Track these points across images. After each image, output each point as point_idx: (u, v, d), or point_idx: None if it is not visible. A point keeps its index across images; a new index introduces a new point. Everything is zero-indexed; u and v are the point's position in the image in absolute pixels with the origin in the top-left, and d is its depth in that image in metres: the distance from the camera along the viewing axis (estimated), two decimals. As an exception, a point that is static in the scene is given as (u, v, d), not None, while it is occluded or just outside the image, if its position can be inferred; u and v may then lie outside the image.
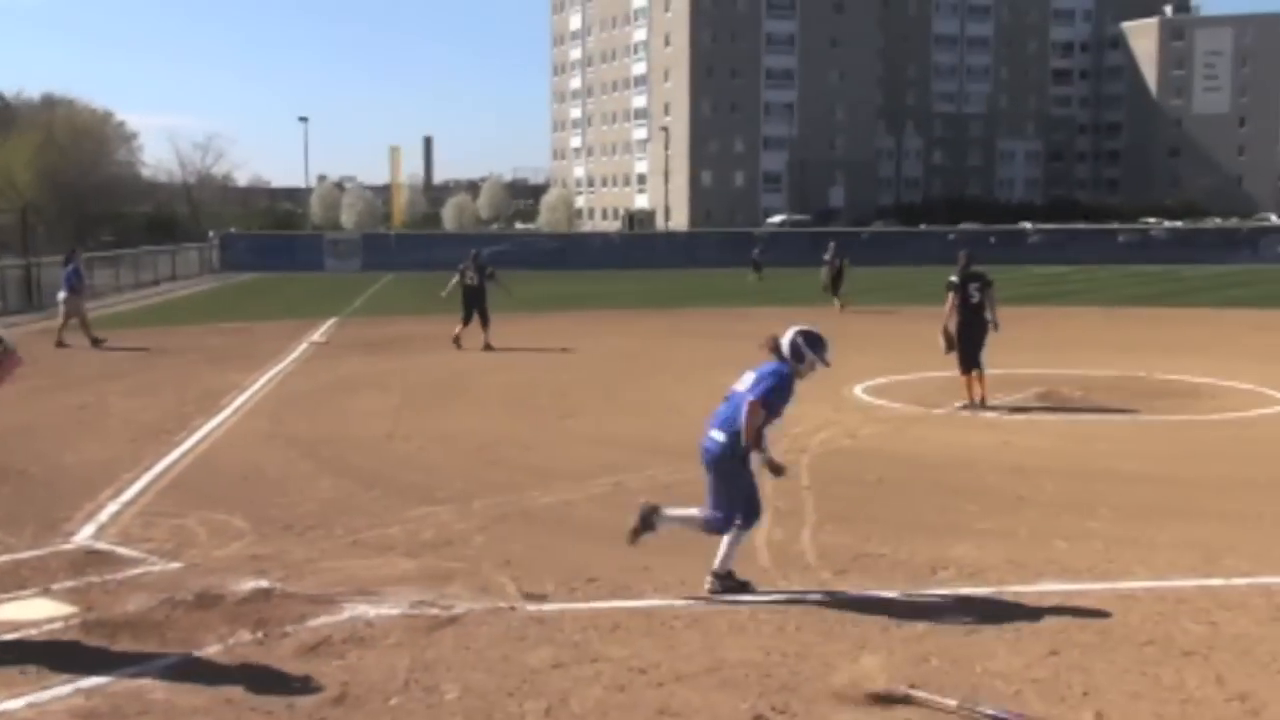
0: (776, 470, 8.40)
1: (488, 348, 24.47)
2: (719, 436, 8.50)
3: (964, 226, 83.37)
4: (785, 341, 8.70)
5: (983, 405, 16.59)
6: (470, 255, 26.29)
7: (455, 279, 25.70)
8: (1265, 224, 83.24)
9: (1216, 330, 28.80)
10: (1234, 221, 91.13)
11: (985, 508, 10.84)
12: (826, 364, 8.79)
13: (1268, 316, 32.32)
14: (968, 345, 16.85)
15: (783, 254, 62.35)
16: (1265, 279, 48.77)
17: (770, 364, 8.64)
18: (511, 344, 25.20)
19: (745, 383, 8.59)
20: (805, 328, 8.83)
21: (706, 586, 8.30)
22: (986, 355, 17.14)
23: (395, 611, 7.95)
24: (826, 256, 38.11)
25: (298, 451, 13.78)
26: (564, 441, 14.46)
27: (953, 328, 16.95)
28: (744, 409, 8.32)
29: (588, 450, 13.79)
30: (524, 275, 45.13)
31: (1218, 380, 19.27)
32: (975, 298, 16.84)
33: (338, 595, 8.27)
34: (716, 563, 8.38)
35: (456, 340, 24.83)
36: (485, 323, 25.11)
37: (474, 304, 25.39)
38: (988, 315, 16.92)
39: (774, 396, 8.41)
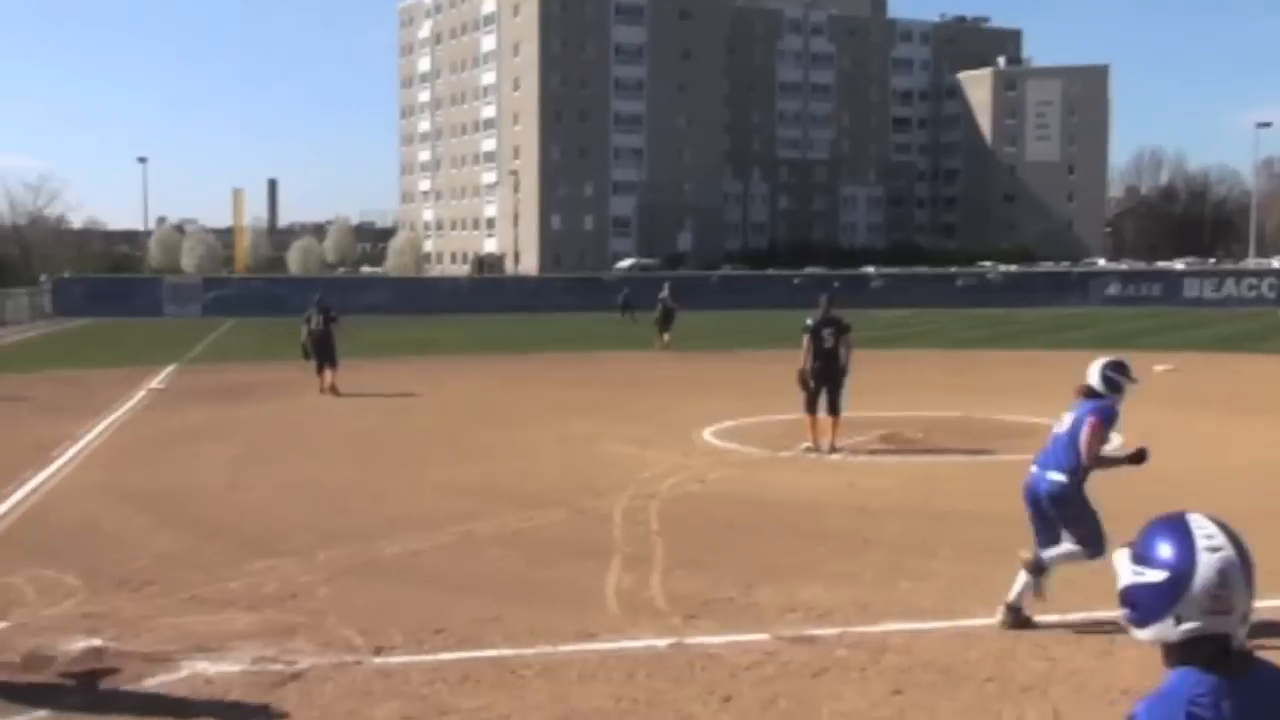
0: (1139, 458, 8.83)
1: (333, 391, 24.19)
2: (1058, 477, 8.85)
3: (809, 270, 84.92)
4: (1096, 378, 9.06)
5: (832, 449, 16.82)
6: (314, 300, 26.06)
7: (304, 328, 25.48)
8: (1094, 268, 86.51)
9: (1050, 372, 29.71)
10: (1065, 265, 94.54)
11: (832, 550, 10.99)
12: (1134, 381, 9.19)
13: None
14: (818, 387, 17.05)
15: (638, 298, 62.76)
16: (1095, 321, 50.64)
17: (1088, 403, 8.89)
18: (358, 390, 24.85)
19: (1065, 423, 8.92)
20: (1108, 359, 9.22)
21: (997, 619, 8.50)
22: (845, 400, 17.34)
23: (236, 668, 7.74)
24: (661, 295, 39.28)
25: (134, 504, 13.37)
26: (412, 490, 14.29)
27: (809, 368, 17.11)
28: (1084, 431, 8.63)
29: (436, 498, 13.65)
30: (370, 320, 44.62)
31: (1051, 420, 19.86)
32: (829, 342, 17.02)
33: (175, 653, 8.03)
34: (1012, 595, 8.59)
35: (332, 389, 24.55)
36: (333, 366, 24.82)
37: (323, 349, 25.17)
38: (842, 359, 17.11)
39: (1108, 424, 8.73)
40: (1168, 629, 2.67)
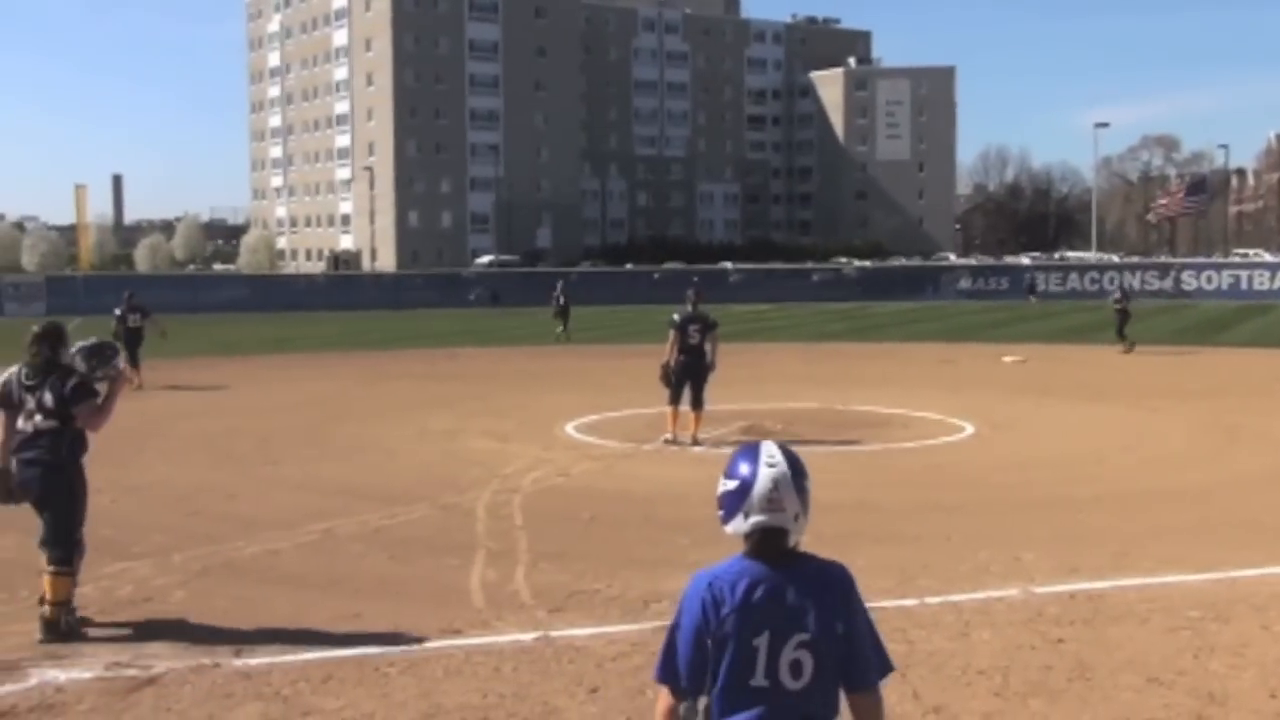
0: None
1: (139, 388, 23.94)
2: None
3: (668, 266, 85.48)
4: None
5: (694, 441, 17.00)
6: (125, 297, 26.59)
7: (116, 325, 25.65)
8: (944, 263, 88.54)
9: (905, 363, 30.40)
10: (917, 260, 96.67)
11: (695, 540, 11.08)
12: None
13: (950, 349, 34.34)
14: (681, 381, 17.21)
15: (507, 294, 62.61)
16: (946, 314, 51.88)
17: None
18: (210, 389, 24.31)
19: None
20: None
21: None
22: (708, 393, 17.53)
23: (88, 675, 7.51)
24: (555, 293, 41.15)
25: (-24, 509, 12.90)
26: (269, 489, 14.03)
27: (673, 364, 17.26)
28: None
29: (294, 498, 13.42)
30: (224, 318, 43.69)
31: (908, 410, 20.32)
32: (695, 338, 17.18)
33: (23, 661, 7.76)
34: None
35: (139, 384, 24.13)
36: (135, 365, 24.75)
37: (131, 345, 25.38)
38: (708, 356, 17.26)
39: None
40: (740, 523, 3.56)
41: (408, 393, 24.50)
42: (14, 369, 8.69)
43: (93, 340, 9.18)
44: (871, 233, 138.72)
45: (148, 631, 8.41)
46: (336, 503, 12.97)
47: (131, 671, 7.58)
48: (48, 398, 8.50)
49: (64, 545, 8.47)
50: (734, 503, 3.58)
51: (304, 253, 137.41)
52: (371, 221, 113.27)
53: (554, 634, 8.27)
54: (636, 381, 25.48)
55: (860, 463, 15.63)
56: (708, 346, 17.20)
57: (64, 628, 8.32)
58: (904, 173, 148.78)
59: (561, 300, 40.68)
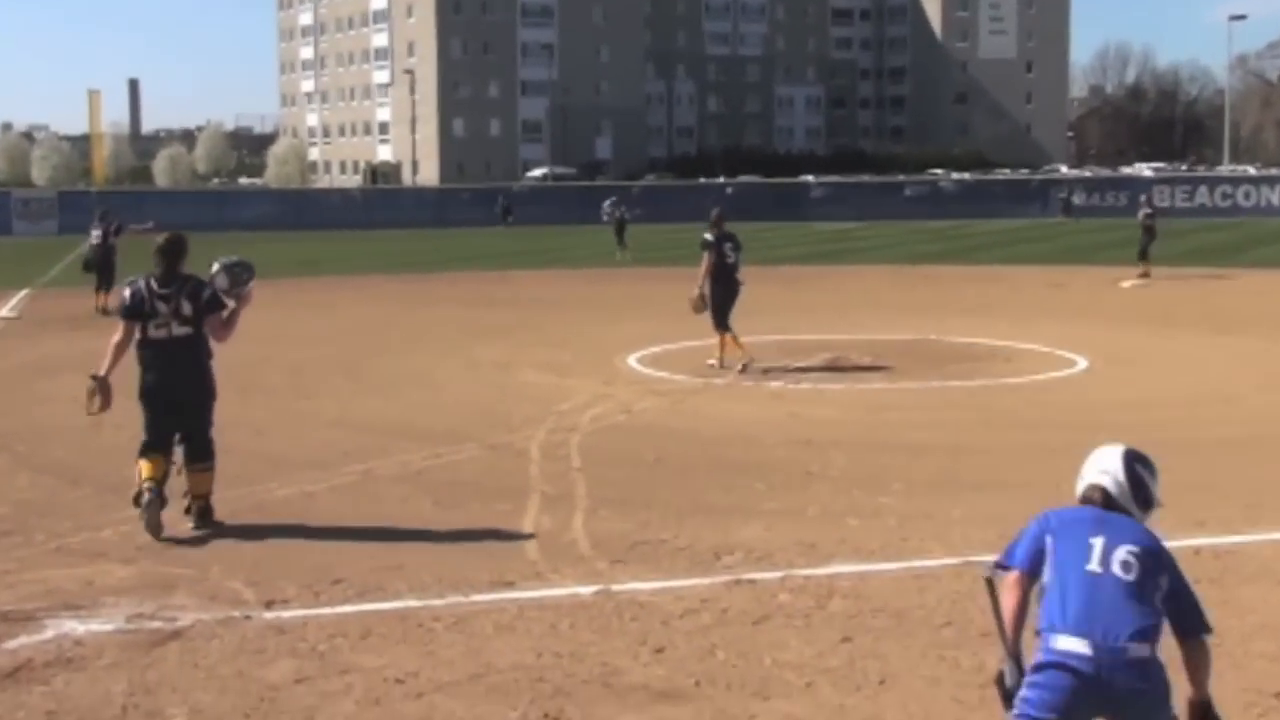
0: None
1: (104, 312, 24.45)
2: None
3: (743, 179, 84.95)
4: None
5: (721, 364, 17.54)
6: (98, 213, 27.30)
7: (93, 250, 26.41)
8: (1054, 175, 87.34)
9: (1010, 288, 30.09)
10: (1023, 173, 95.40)
11: (772, 485, 11.08)
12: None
13: (1061, 273, 33.94)
14: (727, 304, 17.77)
15: (545, 212, 62.71)
16: (1057, 233, 51.22)
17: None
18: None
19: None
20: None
21: None
22: (735, 318, 17.91)
23: (109, 627, 7.66)
24: (606, 208, 42.20)
25: (-15, 446, 13.16)
26: (302, 426, 14.21)
27: (707, 289, 17.79)
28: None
29: (330, 435, 13.57)
30: (251, 237, 43.92)
31: (1012, 342, 20.14)
32: (731, 257, 17.81)
33: (39, 611, 7.93)
34: None
35: (104, 309, 24.95)
36: (109, 286, 25.33)
37: (104, 265, 26.04)
38: (739, 276, 17.93)
39: None
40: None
41: (454, 320, 24.61)
42: (140, 280, 9.90)
43: (235, 258, 10.40)
44: (972, 141, 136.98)
45: (171, 580, 8.56)
46: (375, 441, 13.09)
47: (155, 624, 7.72)
48: (186, 306, 9.76)
49: (207, 445, 9.94)
50: None
51: (338, 165, 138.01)
52: (412, 130, 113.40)
53: (615, 588, 8.32)
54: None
55: (958, 401, 15.53)
56: (740, 266, 17.94)
57: (213, 518, 9.85)
58: (1010, 73, 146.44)
59: (618, 216, 41.29)
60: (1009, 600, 4.60)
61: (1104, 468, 4.67)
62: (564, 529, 9.76)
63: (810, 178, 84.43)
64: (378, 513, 10.34)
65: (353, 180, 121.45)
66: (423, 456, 12.32)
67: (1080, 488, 4.73)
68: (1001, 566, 4.72)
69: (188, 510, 9.91)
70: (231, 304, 10.07)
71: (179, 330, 9.80)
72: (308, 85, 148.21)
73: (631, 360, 18.73)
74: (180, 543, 9.50)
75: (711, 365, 17.63)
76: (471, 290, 31.33)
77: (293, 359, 19.56)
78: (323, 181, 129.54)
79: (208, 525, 9.80)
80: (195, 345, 9.85)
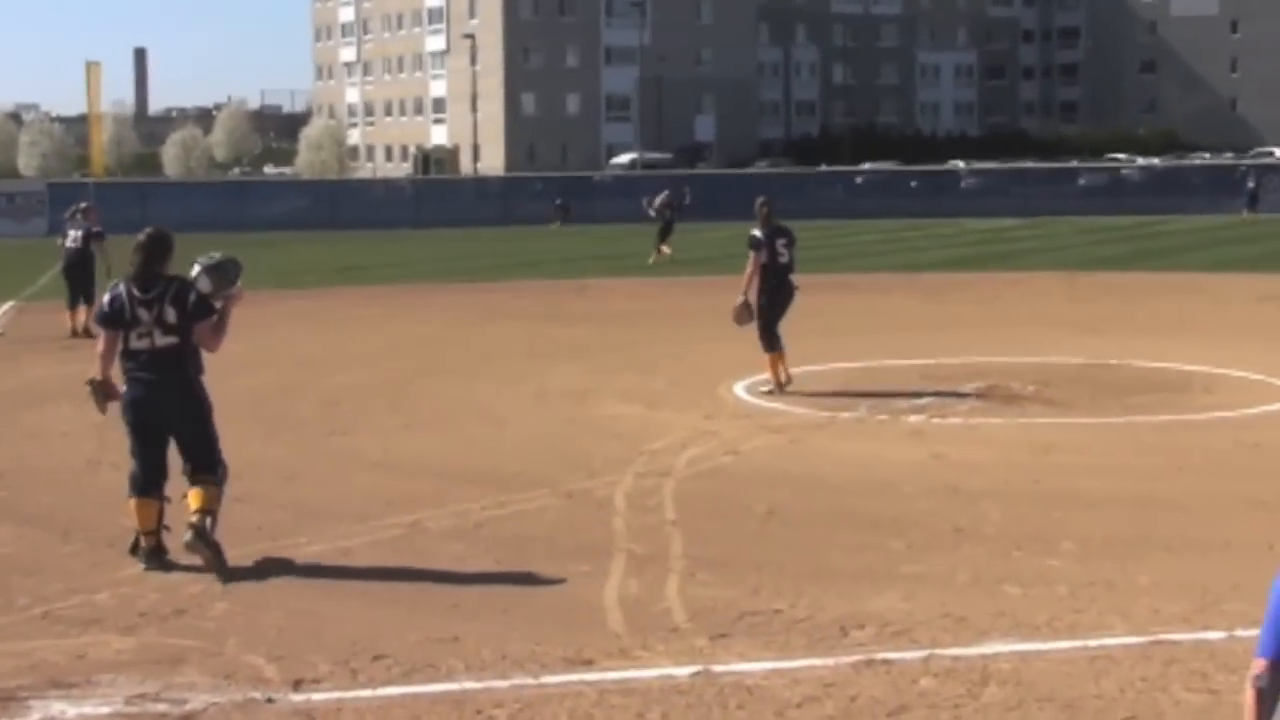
0: None
1: (85, 334, 23.43)
2: None
3: (876, 166, 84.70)
4: None
5: (781, 387, 17.99)
6: (74, 209, 26.70)
7: (69, 253, 25.91)
8: (1268, 160, 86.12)
9: (1210, 301, 29.69)
10: (1227, 158, 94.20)
11: (913, 545, 10.99)
12: None
13: (1273, 283, 33.41)
14: (776, 314, 18.19)
15: (633, 207, 62.80)
16: (1269, 233, 50.47)
17: None
18: (257, 333, 24.82)
19: None
20: None
21: None
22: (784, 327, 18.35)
23: (105, 710, 7.75)
24: (658, 203, 42.79)
25: (-40, 490, 13.38)
26: (337, 468, 14.31)
27: (753, 296, 18.21)
28: None
29: (371, 480, 13.66)
30: (278, 238, 44.46)
31: (1212, 368, 19.86)
32: (784, 256, 18.19)
33: (22, 690, 8.03)
34: None
35: (84, 331, 23.93)
36: (88, 301, 24.56)
37: (76, 275, 25.56)
38: (793, 280, 18.36)
39: None
40: None
41: (521, 339, 24.71)
42: (120, 284, 10.37)
43: (218, 256, 10.71)
44: (1162, 119, 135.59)
45: (179, 654, 8.65)
46: (427, 487, 13.16)
47: (160, 707, 7.79)
48: (170, 313, 10.16)
49: (211, 456, 10.43)
50: None
51: (383, 150, 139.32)
52: (473, 109, 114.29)
53: (717, 669, 8.29)
54: (831, 324, 25.31)
55: (1145, 441, 15.33)
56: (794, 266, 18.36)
57: (211, 538, 10.17)
58: (1210, 34, 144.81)
59: (668, 213, 42.17)
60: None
61: None
62: (655, 596, 9.75)
63: (960, 164, 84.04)
64: (428, 574, 10.37)
65: (401, 169, 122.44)
66: (483, 506, 12.35)
67: None
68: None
69: (187, 534, 10.21)
70: (219, 307, 10.46)
71: (163, 340, 10.19)
72: (347, 54, 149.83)
73: (739, 389, 18.69)
74: (189, 611, 9.59)
75: (770, 391, 18.06)
76: (543, 302, 31.46)
77: (327, 387, 19.72)
78: (364, 171, 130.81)
79: (208, 547, 10.15)
80: (182, 357, 10.27)
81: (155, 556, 10.29)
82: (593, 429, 16.21)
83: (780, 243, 18.18)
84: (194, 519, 10.15)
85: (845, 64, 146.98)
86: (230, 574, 10.14)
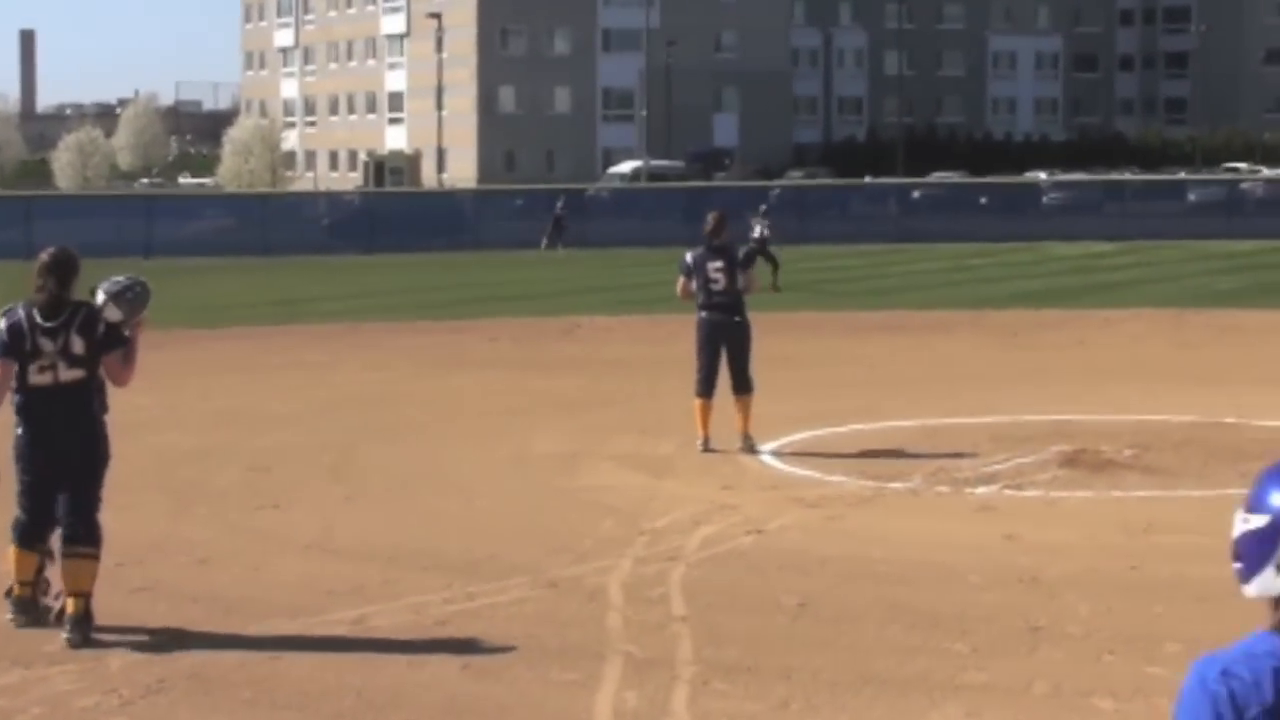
0: None
1: None
2: None
3: (938, 178, 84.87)
4: None
5: (747, 446, 18.23)
6: None
7: None
8: None
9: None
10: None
11: (978, 647, 10.97)
12: None
13: None
14: (712, 354, 18.43)
15: (635, 228, 62.95)
16: None
17: None
18: (169, 382, 24.84)
19: None
20: None
21: None
22: (754, 368, 18.49)
23: None
24: (757, 232, 41.94)
25: None
26: (265, 551, 14.30)
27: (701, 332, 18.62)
28: None
29: (307, 565, 13.66)
30: (195, 265, 44.41)
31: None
32: (718, 283, 18.30)
33: None
34: None
35: None
36: None
37: None
38: (744, 306, 18.61)
39: None
40: (1270, 580, 3.75)
41: (495, 391, 24.71)
42: (17, 309, 10.86)
43: (124, 280, 11.15)
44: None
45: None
46: (375, 575, 13.15)
47: None
48: (77, 343, 10.65)
49: (92, 523, 10.82)
50: (1260, 548, 3.77)
51: (326, 157, 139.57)
52: (438, 105, 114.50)
53: (736, 802, 8.28)
54: (880, 372, 25.30)
55: (1268, 517, 15.29)
56: (738, 287, 18.42)
57: (90, 633, 10.70)
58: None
59: (764, 233, 41.56)
60: None
61: None
62: (659, 710, 9.74)
63: (1042, 175, 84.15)
64: (377, 684, 10.35)
65: (349, 180, 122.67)
66: (446, 599, 12.34)
67: None
68: None
69: (58, 616, 10.62)
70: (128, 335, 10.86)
71: (68, 374, 10.62)
72: (283, 38, 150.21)
73: (766, 453, 18.69)
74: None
75: (702, 448, 18.47)
76: (523, 346, 31.44)
77: (254, 450, 19.70)
78: (304, 182, 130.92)
79: (85, 637, 10.54)
80: (88, 393, 10.74)
81: (26, 609, 10.74)
82: (583, 502, 16.20)
83: (714, 266, 18.37)
84: (73, 608, 10.56)
85: (900, 51, 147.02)
86: (120, 678, 10.10)
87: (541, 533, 14.72)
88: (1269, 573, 3.73)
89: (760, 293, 38.55)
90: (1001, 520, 15.19)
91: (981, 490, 16.54)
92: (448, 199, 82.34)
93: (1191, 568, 13.22)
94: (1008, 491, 16.49)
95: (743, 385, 18.62)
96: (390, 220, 68.54)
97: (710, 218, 19.05)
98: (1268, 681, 3.69)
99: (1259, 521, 3.73)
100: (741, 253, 19.01)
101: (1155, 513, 15.49)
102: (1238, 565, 3.82)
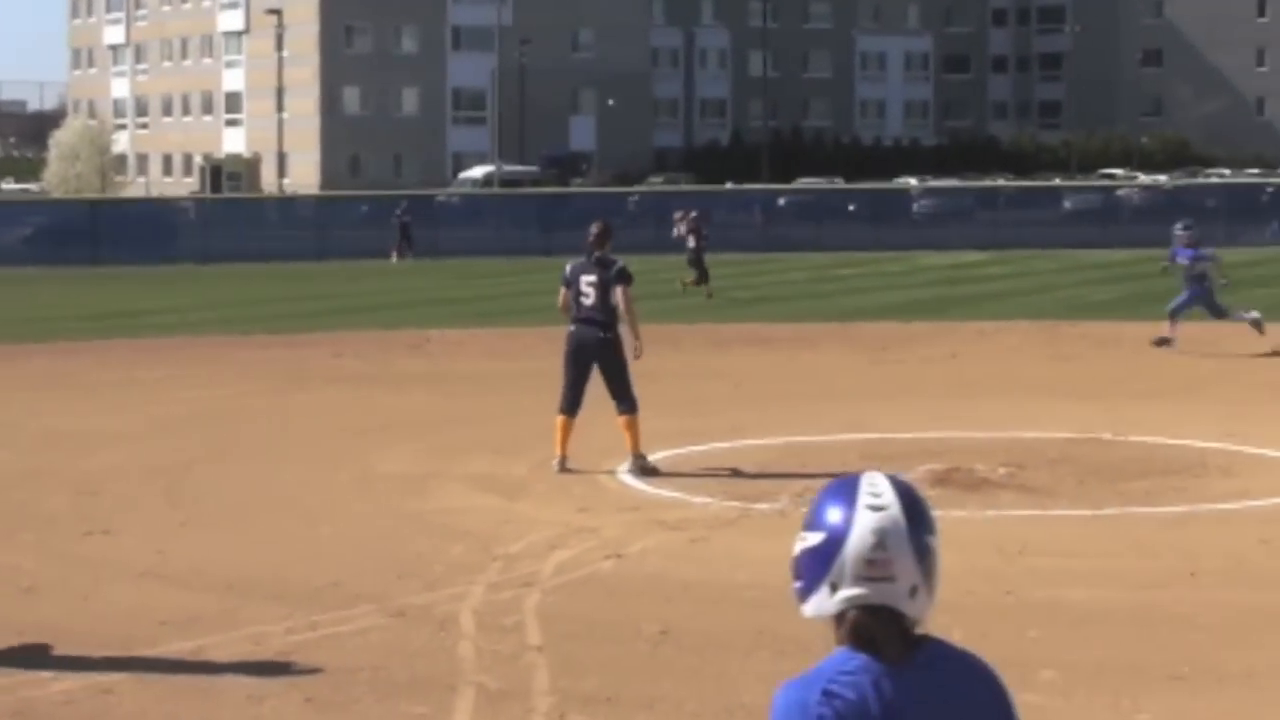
0: None
1: None
2: None
3: (804, 184, 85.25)
4: None
5: (639, 467, 18.32)
6: None
7: None
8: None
9: (1230, 360, 30.01)
10: (1253, 174, 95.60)
11: (848, 675, 11.02)
12: None
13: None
14: (578, 370, 18.64)
15: (488, 237, 62.88)
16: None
17: None
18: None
19: None
20: None
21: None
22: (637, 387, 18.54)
23: None
24: (680, 230, 43.58)
25: None
26: (95, 578, 14.15)
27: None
28: None
29: (139, 594, 13.53)
30: (15, 275, 43.96)
31: (1233, 445, 20.07)
32: (588, 298, 18.48)
33: None
34: None
35: None
36: None
37: None
38: (620, 327, 18.58)
39: None
40: (824, 600, 3.94)
41: (339, 409, 24.60)
42: None
43: None
44: (1169, 123, 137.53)
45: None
46: (213, 603, 13.06)
47: None
48: None
49: None
50: (814, 566, 3.95)
51: (160, 161, 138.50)
52: (279, 107, 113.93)
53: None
54: (744, 388, 25.38)
55: (1146, 539, 15.47)
56: (617, 306, 18.44)
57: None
58: (1231, 18, 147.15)
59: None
60: None
61: None
62: (513, 745, 9.72)
63: (912, 181, 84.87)
64: (218, 718, 10.28)
65: (184, 185, 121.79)
66: (288, 628, 12.27)
67: None
68: None
69: None
70: None
71: None
72: (113, 35, 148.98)
73: (623, 473, 18.70)
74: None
75: (560, 468, 18.59)
76: (369, 361, 31.31)
77: (82, 472, 19.50)
78: (135, 188, 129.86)
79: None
80: None
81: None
82: (432, 526, 16.15)
83: (587, 280, 18.53)
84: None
85: (764, 51, 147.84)
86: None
87: (389, 558, 14.65)
88: (824, 592, 3.91)
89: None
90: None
91: (700, 499, 16.71)
92: (289, 206, 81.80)
93: (1068, 591, 13.36)
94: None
95: (624, 404, 18.62)
96: (227, 228, 68.14)
97: (592, 228, 19.14)
98: (871, 696, 3.85)
99: (814, 539, 3.91)
100: (614, 269, 18.80)
101: (1030, 533, 15.62)
102: (796, 584, 3.99)
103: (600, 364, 18.64)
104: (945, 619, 12.48)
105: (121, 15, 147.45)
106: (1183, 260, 32.60)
